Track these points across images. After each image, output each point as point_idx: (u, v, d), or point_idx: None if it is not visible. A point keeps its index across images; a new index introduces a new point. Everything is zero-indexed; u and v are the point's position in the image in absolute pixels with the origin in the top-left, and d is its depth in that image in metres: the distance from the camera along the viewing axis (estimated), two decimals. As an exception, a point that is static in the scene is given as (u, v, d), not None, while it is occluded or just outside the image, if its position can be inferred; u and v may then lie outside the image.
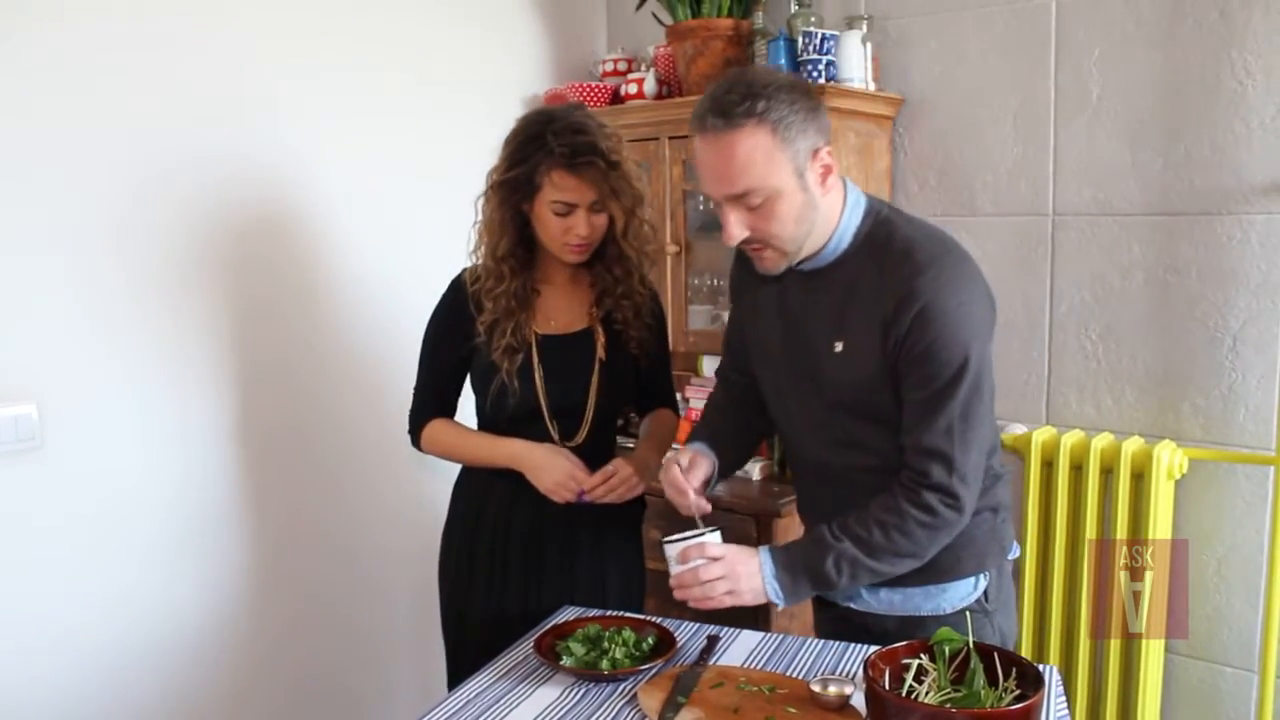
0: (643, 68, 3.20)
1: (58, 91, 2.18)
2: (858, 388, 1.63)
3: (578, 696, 1.61)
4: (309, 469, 2.70)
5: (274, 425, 2.61)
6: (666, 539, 1.68)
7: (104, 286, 2.28)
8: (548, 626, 1.81)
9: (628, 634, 1.72)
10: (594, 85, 3.15)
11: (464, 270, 2.08)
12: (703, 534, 1.66)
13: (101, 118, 2.25)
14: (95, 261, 2.26)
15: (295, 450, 2.66)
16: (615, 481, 1.95)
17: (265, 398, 2.59)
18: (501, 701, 1.59)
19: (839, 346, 1.63)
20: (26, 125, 2.14)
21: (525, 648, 1.77)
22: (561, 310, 2.06)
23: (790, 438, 1.84)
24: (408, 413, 2.13)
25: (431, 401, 2.10)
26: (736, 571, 1.61)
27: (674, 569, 1.66)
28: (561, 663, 1.67)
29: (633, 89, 3.11)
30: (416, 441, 2.12)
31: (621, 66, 3.23)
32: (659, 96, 3.10)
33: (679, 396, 3.21)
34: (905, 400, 1.59)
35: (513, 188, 1.93)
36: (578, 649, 1.69)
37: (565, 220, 1.91)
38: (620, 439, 2.29)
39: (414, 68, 2.88)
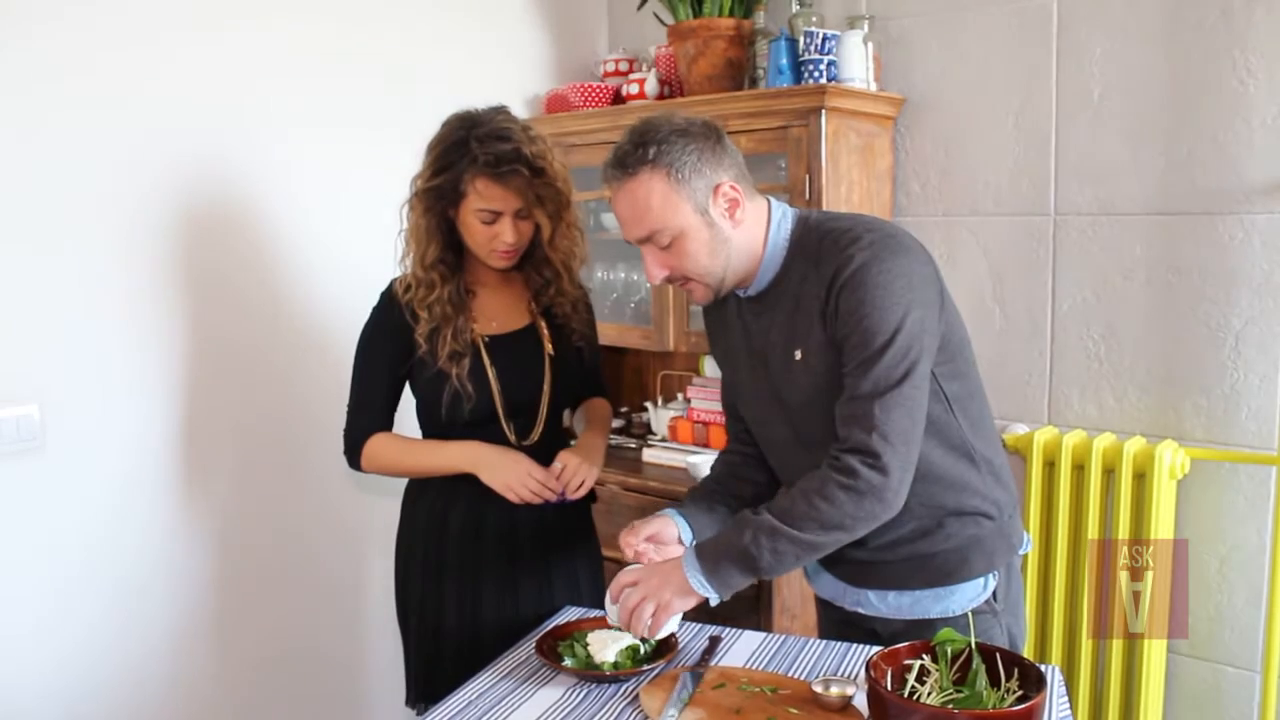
0: (644, 68, 3.20)
1: (59, 97, 2.18)
2: (821, 391, 1.63)
3: (579, 697, 1.61)
4: (312, 468, 2.70)
5: (278, 425, 2.62)
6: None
7: (106, 289, 2.28)
8: (549, 628, 1.82)
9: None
10: (595, 85, 3.15)
11: (393, 281, 2.03)
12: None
13: (105, 123, 2.26)
14: (98, 264, 2.26)
15: (299, 450, 2.67)
16: (568, 474, 1.94)
17: (267, 399, 2.59)
18: (503, 702, 1.59)
19: (798, 354, 1.65)
20: (30, 130, 2.15)
21: (526, 649, 1.77)
22: (500, 310, 2.04)
23: (778, 467, 1.84)
24: (342, 432, 2.04)
25: (369, 418, 2.01)
26: (652, 584, 1.62)
27: (613, 615, 1.69)
28: (563, 663, 1.67)
29: (634, 89, 3.11)
30: (355, 461, 2.02)
31: (623, 67, 3.22)
32: (660, 97, 3.10)
33: (681, 397, 3.24)
34: (843, 375, 1.59)
35: (437, 195, 1.90)
36: (580, 650, 1.69)
37: (491, 228, 1.90)
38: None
39: (413, 69, 2.88)
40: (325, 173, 2.68)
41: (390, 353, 1.99)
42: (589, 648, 1.68)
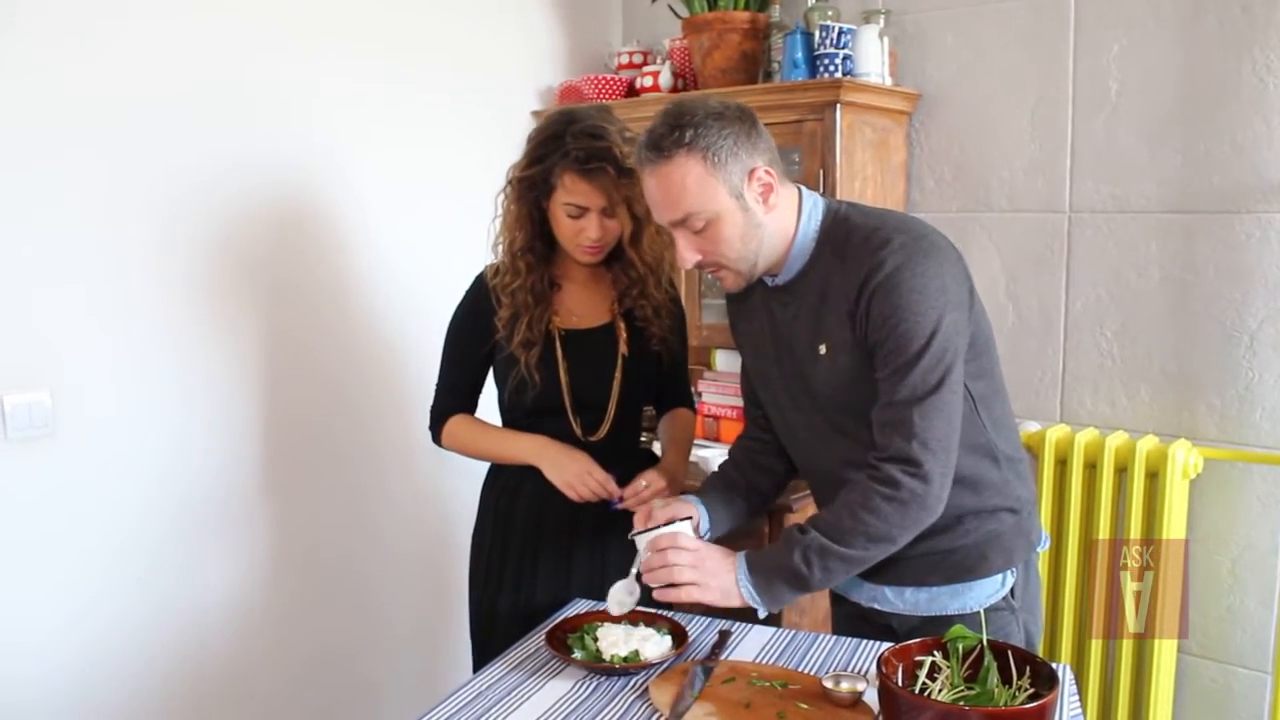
0: (658, 60, 3.19)
1: (98, 86, 2.19)
2: (846, 386, 1.63)
3: (589, 690, 1.60)
4: (325, 461, 2.70)
5: (287, 418, 2.62)
6: (636, 532, 1.71)
7: (120, 275, 2.28)
8: (559, 619, 1.81)
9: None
10: (609, 78, 3.14)
11: (486, 267, 2.09)
12: (674, 525, 1.68)
13: (126, 113, 2.26)
14: (111, 249, 2.26)
15: (311, 442, 2.67)
16: (648, 494, 1.95)
17: (280, 389, 2.59)
18: (513, 694, 1.59)
19: (823, 349, 1.65)
20: (67, 117, 2.16)
21: (537, 640, 1.77)
22: (583, 305, 2.07)
23: (798, 455, 1.84)
24: (429, 409, 2.13)
25: (453, 398, 2.11)
26: (706, 566, 1.61)
27: (643, 556, 1.68)
28: (573, 656, 1.66)
29: (648, 82, 3.10)
30: (438, 438, 2.12)
31: (637, 59, 3.22)
32: (674, 89, 3.09)
33: (691, 390, 3.22)
34: (878, 378, 1.59)
35: (530, 185, 1.95)
36: (589, 642, 1.69)
37: (577, 222, 1.93)
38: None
39: (428, 60, 2.87)
40: (342, 163, 2.68)
41: (473, 336, 2.06)
42: (599, 641, 1.68)
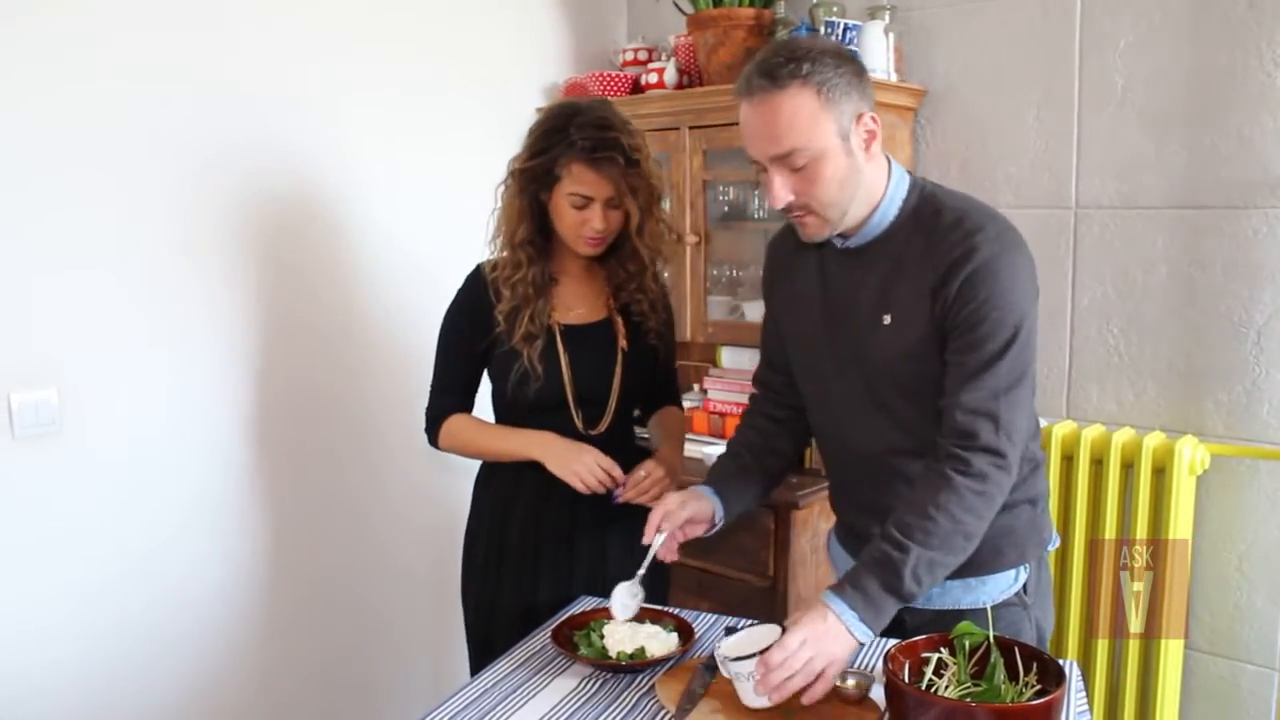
0: (663, 57, 3.19)
1: (89, 85, 2.19)
2: (904, 358, 1.61)
3: (595, 687, 1.61)
4: (331, 458, 2.71)
5: (296, 414, 2.62)
6: (730, 658, 1.48)
7: (128, 272, 2.28)
8: (565, 616, 1.81)
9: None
10: (614, 75, 3.14)
11: (481, 263, 2.08)
12: (769, 641, 1.48)
13: (137, 108, 2.26)
14: (119, 248, 2.27)
15: (317, 439, 2.67)
16: (647, 484, 1.95)
17: (289, 386, 2.60)
18: (519, 691, 1.59)
19: (887, 319, 1.62)
20: (57, 115, 2.15)
21: (543, 637, 1.77)
22: (580, 300, 2.07)
23: (827, 427, 1.80)
24: (424, 411, 2.11)
25: (449, 398, 2.09)
26: (823, 645, 1.46)
27: (750, 676, 1.46)
28: (579, 653, 1.67)
29: (653, 79, 3.09)
30: (434, 439, 2.09)
31: (642, 56, 3.21)
32: (679, 86, 3.08)
33: (697, 388, 3.23)
34: (951, 363, 1.57)
35: (532, 176, 1.95)
36: (595, 639, 1.69)
37: (582, 213, 1.93)
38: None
39: (435, 56, 2.87)
40: (349, 156, 2.68)
41: (471, 331, 2.04)
42: (605, 639, 1.68)
